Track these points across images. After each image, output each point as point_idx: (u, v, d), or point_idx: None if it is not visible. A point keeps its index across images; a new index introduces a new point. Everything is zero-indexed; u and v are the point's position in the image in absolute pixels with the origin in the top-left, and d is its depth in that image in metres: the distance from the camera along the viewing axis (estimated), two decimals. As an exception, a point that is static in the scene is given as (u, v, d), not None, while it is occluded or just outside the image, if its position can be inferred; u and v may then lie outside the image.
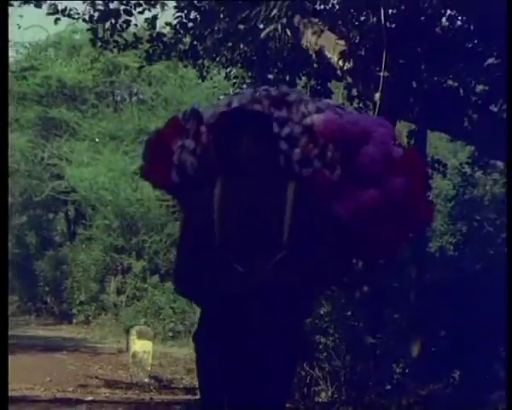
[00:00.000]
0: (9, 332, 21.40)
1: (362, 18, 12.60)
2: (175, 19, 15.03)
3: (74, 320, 27.90)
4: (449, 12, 12.31)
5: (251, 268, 4.23)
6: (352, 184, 4.58)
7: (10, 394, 13.67)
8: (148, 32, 15.67)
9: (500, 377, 10.94)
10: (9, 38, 16.74)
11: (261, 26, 12.45)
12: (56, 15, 15.71)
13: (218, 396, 4.59)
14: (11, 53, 21.91)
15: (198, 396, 15.05)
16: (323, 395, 13.41)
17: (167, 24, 15.70)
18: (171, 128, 4.98)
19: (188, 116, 4.94)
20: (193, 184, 4.66)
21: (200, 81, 18.59)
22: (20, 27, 24.98)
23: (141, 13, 15.31)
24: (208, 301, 4.46)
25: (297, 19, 12.02)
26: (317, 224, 4.40)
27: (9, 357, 18.03)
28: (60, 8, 15.84)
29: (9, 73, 22.97)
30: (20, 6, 15.71)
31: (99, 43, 16.13)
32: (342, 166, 4.59)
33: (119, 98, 27.77)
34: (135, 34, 16.12)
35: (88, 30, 15.91)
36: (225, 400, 4.57)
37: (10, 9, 15.15)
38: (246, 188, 4.39)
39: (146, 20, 15.75)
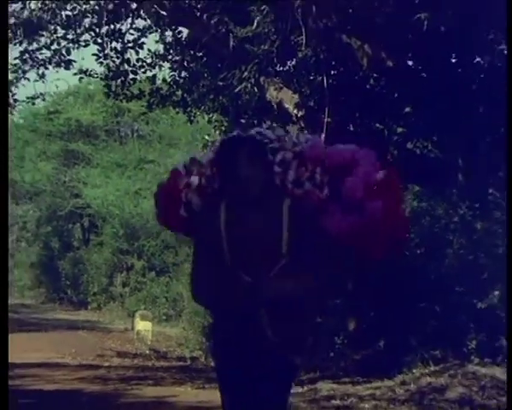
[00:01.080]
0: (41, 316, 21.99)
1: (311, 77, 12.95)
2: (169, 77, 15.50)
3: (89, 307, 27.89)
4: (375, 74, 12.82)
5: (256, 277, 3.97)
6: (337, 204, 4.13)
7: (46, 361, 14.67)
8: (149, 87, 15.93)
9: (411, 344, 11.49)
10: (42, 91, 17.06)
11: (235, 83, 12.80)
12: (80, 75, 16.17)
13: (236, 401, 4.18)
14: (42, 102, 22.15)
15: (188, 363, 15.27)
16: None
17: (164, 80, 15.93)
18: (174, 179, 4.44)
19: (189, 163, 4.46)
20: (199, 214, 4.28)
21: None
22: (57, 87, 25.11)
23: (144, 72, 15.70)
24: (220, 309, 4.16)
25: (262, 78, 12.38)
26: (311, 236, 4.04)
27: (42, 334, 18.99)
28: (83, 69, 16.12)
29: (40, 116, 22.96)
30: (56, 71, 15.91)
31: (112, 95, 16.27)
32: (330, 187, 4.15)
33: (123, 134, 27.68)
34: (139, 89, 16.14)
35: (104, 86, 16.21)
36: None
37: (47, 72, 15.61)
38: (247, 208, 4.09)
39: (147, 77, 16.04)
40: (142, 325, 18.74)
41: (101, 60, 15.16)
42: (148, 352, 17.13)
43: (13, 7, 14.55)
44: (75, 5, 14.16)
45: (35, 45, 14.89)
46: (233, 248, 3.99)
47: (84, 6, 14.15)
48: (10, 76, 15.08)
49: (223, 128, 16.29)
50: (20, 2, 14.57)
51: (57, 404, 9.94)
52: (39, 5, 14.29)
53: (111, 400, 10.57)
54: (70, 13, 14.32)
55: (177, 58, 15.23)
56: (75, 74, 16.48)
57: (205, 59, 14.32)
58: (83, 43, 15.09)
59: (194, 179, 4.31)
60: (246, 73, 12.24)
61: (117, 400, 10.63)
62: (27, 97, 17.73)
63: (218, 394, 10.89)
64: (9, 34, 14.32)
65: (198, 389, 11.52)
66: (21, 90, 16.78)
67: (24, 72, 15.33)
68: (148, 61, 15.50)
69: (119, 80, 15.59)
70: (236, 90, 12.84)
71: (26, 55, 14.89)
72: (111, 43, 14.96)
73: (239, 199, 4.12)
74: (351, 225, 4.07)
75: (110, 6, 14.06)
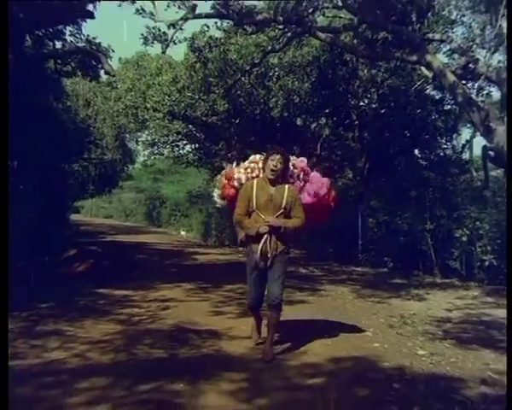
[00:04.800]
0: (145, 229, 18.88)
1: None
2: (192, 158, 13.40)
3: (163, 227, 22.14)
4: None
5: (267, 216, 2.88)
6: (308, 189, 3.14)
7: (156, 241, 12.50)
8: (185, 161, 13.54)
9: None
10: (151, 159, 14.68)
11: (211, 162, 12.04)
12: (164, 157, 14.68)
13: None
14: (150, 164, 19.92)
15: (197, 243, 13.44)
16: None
17: (190, 159, 13.47)
18: (230, 174, 3.19)
19: (235, 166, 3.27)
20: (243, 185, 3.08)
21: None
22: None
23: (184, 158, 13.63)
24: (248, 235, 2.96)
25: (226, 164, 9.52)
26: (295, 203, 2.97)
27: (147, 235, 15.17)
28: (165, 155, 14.00)
29: (149, 168, 19.61)
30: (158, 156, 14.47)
31: (173, 162, 15.28)
32: (303, 182, 3.17)
33: (173, 172, 22.85)
34: (182, 161, 13.85)
35: (171, 160, 15.18)
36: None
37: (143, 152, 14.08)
38: (269, 185, 2.97)
39: (185, 158, 13.69)
40: (182, 233, 16.13)
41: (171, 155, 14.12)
42: (184, 241, 14.37)
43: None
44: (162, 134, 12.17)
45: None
46: (257, 201, 2.97)
47: (161, 138, 12.48)
48: (146, 158, 14.64)
49: (208, 175, 14.32)
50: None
51: (161, 255, 9.38)
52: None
53: (179, 252, 10.09)
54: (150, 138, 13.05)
55: (194, 153, 13.32)
56: (164, 158, 15.45)
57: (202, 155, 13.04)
58: (165, 148, 13.71)
59: (241, 174, 3.15)
60: (217, 163, 11.46)
61: (181, 253, 9.99)
62: (150, 164, 17.17)
63: (210, 251, 10.78)
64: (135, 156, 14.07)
65: (205, 250, 10.91)
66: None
67: (148, 158, 14.32)
68: (184, 154, 13.92)
69: (176, 158, 14.06)
70: (215, 164, 12.10)
71: (146, 162, 14.18)
72: (174, 148, 13.40)
73: (268, 181, 3.02)
74: (312, 200, 3.17)
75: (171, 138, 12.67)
